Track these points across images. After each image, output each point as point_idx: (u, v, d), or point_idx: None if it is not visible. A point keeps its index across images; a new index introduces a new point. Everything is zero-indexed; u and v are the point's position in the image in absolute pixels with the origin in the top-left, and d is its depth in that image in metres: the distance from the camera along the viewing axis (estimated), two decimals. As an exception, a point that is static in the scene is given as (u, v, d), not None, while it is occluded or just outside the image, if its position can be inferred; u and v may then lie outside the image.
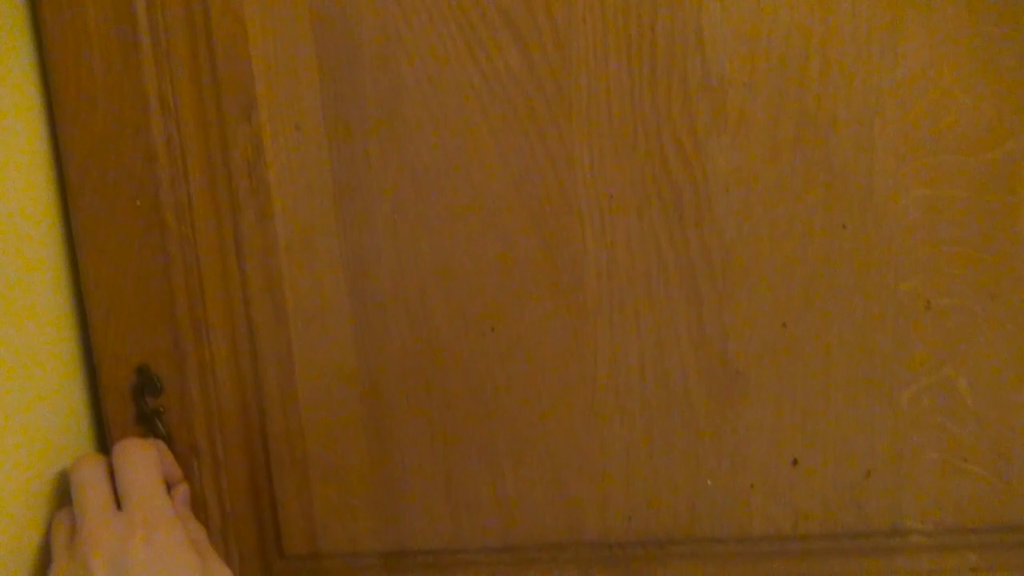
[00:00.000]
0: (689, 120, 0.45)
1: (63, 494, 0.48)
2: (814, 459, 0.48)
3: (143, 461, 0.47)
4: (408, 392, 0.49)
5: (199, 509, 0.51)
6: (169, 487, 0.49)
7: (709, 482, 0.49)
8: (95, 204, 0.49)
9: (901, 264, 0.46)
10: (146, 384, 0.50)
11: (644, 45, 0.45)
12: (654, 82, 0.45)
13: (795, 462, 0.48)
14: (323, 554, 0.52)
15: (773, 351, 0.47)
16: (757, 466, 0.48)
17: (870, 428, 0.47)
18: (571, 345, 0.48)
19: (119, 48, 0.47)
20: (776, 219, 0.46)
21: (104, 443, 0.51)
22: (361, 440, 0.50)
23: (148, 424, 0.50)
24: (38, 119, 0.48)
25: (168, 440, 0.51)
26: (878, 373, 0.47)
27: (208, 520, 0.51)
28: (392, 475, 0.50)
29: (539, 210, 0.47)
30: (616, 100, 0.45)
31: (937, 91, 0.44)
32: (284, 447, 0.51)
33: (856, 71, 0.44)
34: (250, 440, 0.51)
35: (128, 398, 0.50)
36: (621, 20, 0.45)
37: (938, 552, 0.49)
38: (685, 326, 0.47)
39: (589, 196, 0.46)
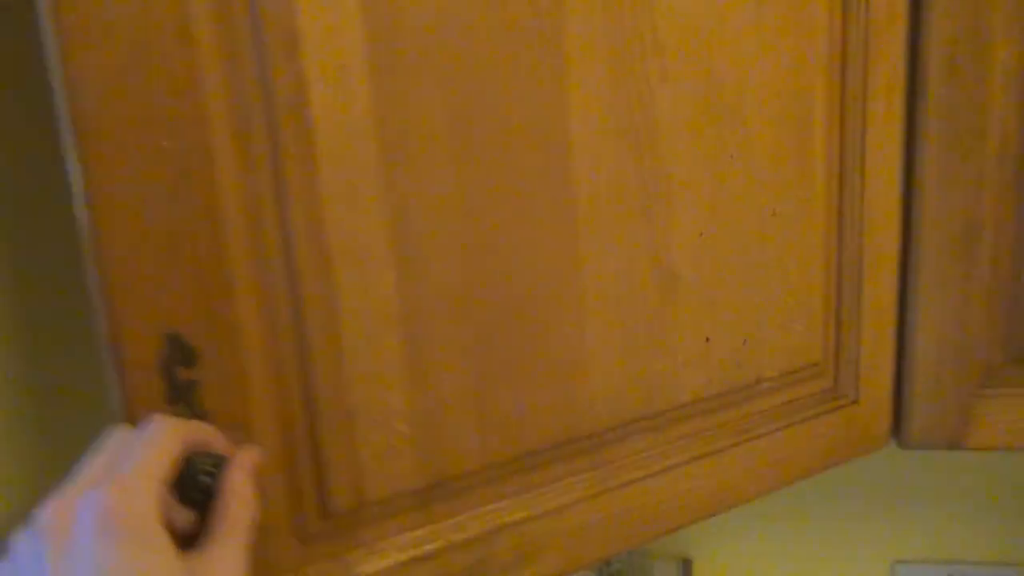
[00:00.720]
0: (645, 75, 0.57)
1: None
2: (718, 336, 0.64)
3: (150, 433, 0.42)
4: (446, 329, 0.52)
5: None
6: (228, 463, 0.44)
7: (657, 366, 0.61)
8: (112, 149, 0.42)
9: (762, 182, 0.63)
10: (178, 354, 0.44)
11: (620, 11, 0.55)
12: (623, 46, 0.55)
13: (708, 340, 0.63)
14: (366, 503, 0.51)
15: (694, 255, 0.61)
16: (685, 347, 0.62)
17: (748, 306, 0.65)
18: (567, 266, 0.56)
19: (143, -33, 0.41)
20: (695, 154, 0.60)
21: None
22: (403, 381, 0.51)
23: (180, 399, 0.44)
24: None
25: (204, 414, 0.45)
26: (752, 266, 0.64)
27: (245, 496, 0.47)
28: (430, 411, 0.52)
29: (545, 147, 0.54)
30: (599, 57, 0.55)
31: (780, 59, 0.62)
32: (331, 400, 0.49)
33: (737, 45, 0.60)
34: (288, 401, 0.48)
35: (156, 372, 0.44)
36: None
37: (778, 391, 0.68)
38: (643, 240, 0.59)
39: (581, 135, 0.55)
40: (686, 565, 1.15)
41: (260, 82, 0.45)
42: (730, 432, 0.66)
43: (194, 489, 0.44)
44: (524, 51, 0.52)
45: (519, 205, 0.53)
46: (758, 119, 0.62)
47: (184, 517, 0.43)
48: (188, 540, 0.43)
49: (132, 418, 0.43)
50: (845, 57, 0.66)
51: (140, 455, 0.41)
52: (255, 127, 0.45)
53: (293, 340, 0.48)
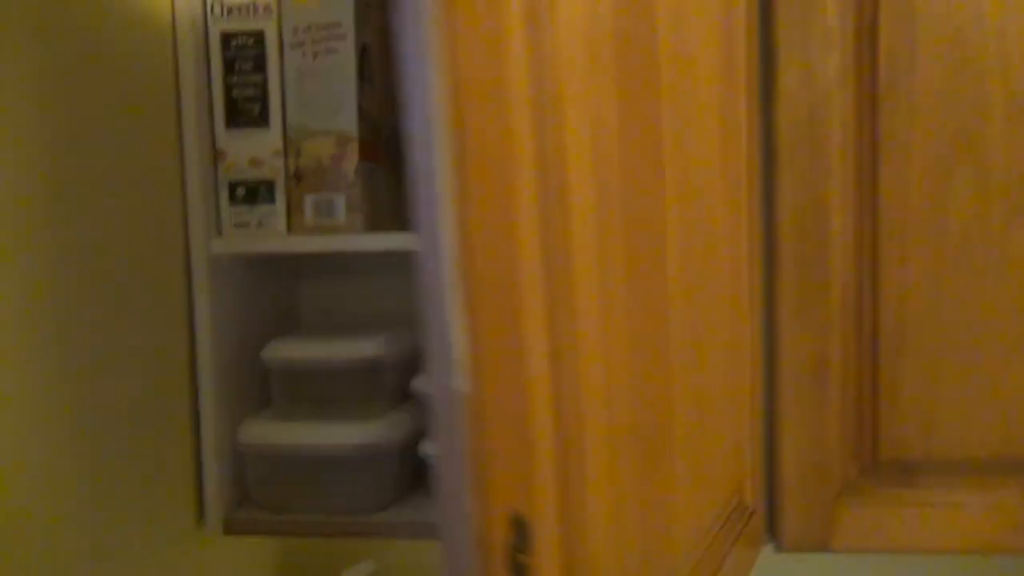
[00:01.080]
0: (700, 234, 0.65)
1: None
2: (711, 466, 0.71)
3: None
4: (622, 469, 0.52)
5: None
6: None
7: (701, 495, 0.66)
8: (488, 312, 0.38)
9: (725, 331, 0.74)
10: (519, 539, 0.39)
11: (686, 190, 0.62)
12: (686, 195, 0.63)
13: (705, 470, 0.70)
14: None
15: (709, 393, 0.69)
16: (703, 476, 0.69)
17: (720, 437, 0.73)
18: (669, 400, 0.60)
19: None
20: (707, 309, 0.69)
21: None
22: (608, 527, 0.50)
23: (518, 590, 0.39)
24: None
25: (530, 603, 0.40)
26: (721, 401, 0.74)
27: None
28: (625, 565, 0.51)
29: (660, 286, 0.58)
30: (678, 211, 0.61)
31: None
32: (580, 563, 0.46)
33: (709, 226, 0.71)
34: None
35: (502, 560, 0.38)
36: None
37: (727, 510, 0.77)
38: (691, 379, 0.65)
39: (673, 277, 0.60)
40: None
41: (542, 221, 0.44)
42: (718, 553, 0.73)
43: None
44: (649, 187, 0.57)
45: (652, 337, 0.57)
46: (719, 287, 0.74)
47: None
48: None
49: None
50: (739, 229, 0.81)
51: None
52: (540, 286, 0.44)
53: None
